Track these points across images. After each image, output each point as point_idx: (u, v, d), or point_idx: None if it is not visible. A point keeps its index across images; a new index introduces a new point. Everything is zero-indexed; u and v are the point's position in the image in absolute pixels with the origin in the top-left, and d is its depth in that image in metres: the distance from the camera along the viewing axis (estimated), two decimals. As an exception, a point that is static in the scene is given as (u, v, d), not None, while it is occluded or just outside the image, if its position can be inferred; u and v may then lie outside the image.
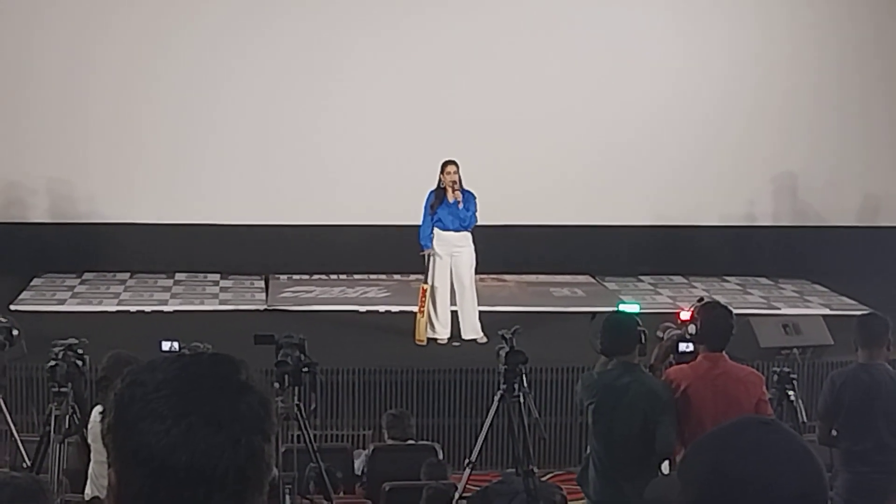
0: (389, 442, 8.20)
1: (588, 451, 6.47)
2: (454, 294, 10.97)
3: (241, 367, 1.74)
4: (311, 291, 12.80)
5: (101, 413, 6.36)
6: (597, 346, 6.39)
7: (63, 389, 6.83)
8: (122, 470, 1.68)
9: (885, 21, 14.31)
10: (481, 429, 7.56)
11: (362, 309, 12.20)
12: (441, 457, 7.98)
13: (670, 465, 5.94)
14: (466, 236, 10.90)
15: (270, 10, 13.57)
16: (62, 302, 12.24)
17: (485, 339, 10.72)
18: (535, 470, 7.18)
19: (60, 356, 6.89)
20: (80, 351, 6.96)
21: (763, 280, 13.89)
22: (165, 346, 6.84)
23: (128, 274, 13.30)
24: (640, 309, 7.77)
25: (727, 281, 13.83)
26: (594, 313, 6.76)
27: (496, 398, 7.34)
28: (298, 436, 6.80)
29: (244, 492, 1.68)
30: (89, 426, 6.49)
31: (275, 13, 13.57)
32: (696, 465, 1.86)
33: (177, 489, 1.64)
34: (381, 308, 12.22)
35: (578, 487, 6.71)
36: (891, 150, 14.41)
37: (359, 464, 7.92)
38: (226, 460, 1.65)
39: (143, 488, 1.65)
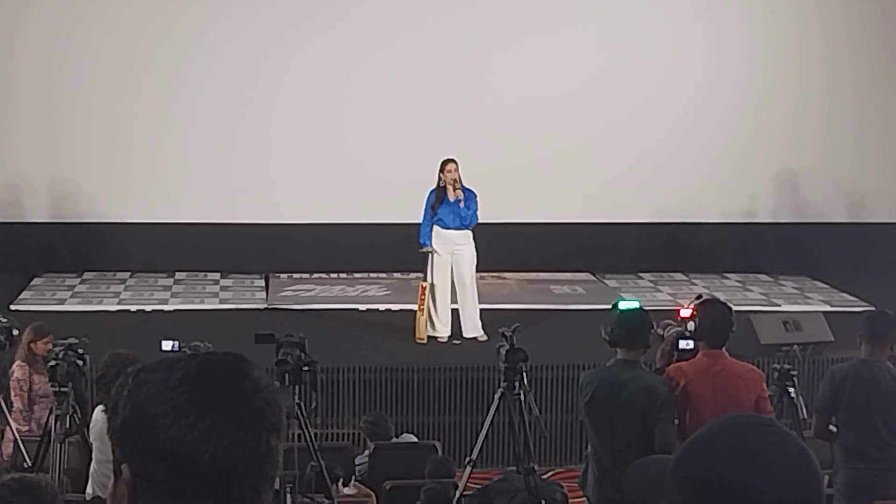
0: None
1: (588, 449, 6.46)
2: (454, 292, 10.97)
3: (253, 366, 1.78)
4: (311, 290, 12.80)
5: (103, 410, 6.36)
6: (606, 333, 6.36)
7: (64, 389, 6.83)
8: (141, 465, 1.71)
9: (894, 19, 14.29)
10: (482, 427, 7.56)
11: (362, 307, 12.20)
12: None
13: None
14: (467, 234, 10.90)
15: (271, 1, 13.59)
16: (62, 301, 12.24)
17: (485, 337, 10.71)
18: (536, 468, 7.17)
19: (61, 356, 6.89)
20: (80, 350, 6.96)
21: (763, 277, 13.88)
22: (166, 345, 6.82)
23: (128, 273, 13.30)
24: (641, 306, 7.76)
25: (727, 278, 13.82)
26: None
27: (497, 396, 7.33)
28: (299, 434, 6.80)
29: (260, 487, 1.72)
30: (90, 425, 6.49)
31: (274, 5, 13.57)
32: (689, 465, 1.82)
33: (199, 483, 1.68)
34: (382, 306, 12.22)
35: (579, 486, 6.71)
36: (891, 147, 14.39)
37: (360, 468, 7.91)
38: (246, 455, 1.69)
39: (165, 482, 1.68)
